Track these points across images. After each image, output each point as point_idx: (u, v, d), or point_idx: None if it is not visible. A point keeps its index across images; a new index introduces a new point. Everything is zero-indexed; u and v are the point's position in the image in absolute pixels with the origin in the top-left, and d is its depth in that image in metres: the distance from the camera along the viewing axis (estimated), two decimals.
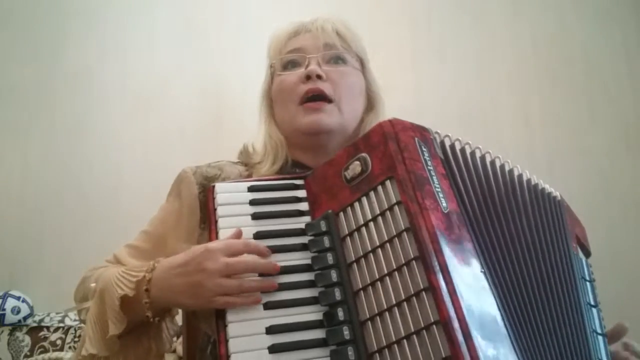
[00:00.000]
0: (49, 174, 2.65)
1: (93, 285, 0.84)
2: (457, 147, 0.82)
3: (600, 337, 0.84)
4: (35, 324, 2.37)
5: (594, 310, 0.88)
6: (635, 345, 0.90)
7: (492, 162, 0.85)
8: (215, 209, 0.79)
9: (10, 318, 2.35)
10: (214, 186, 0.81)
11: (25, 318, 2.38)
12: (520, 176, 0.87)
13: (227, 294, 0.69)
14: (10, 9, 2.81)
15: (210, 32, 2.82)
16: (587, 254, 1.00)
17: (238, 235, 0.75)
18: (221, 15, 2.85)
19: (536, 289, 0.78)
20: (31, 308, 2.42)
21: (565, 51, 2.63)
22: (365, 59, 1.05)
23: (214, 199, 0.80)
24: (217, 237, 0.76)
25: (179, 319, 0.96)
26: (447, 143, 0.80)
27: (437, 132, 0.80)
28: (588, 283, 0.90)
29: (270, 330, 0.68)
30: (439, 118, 2.31)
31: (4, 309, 2.34)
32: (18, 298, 2.40)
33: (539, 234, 0.84)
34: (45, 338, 2.27)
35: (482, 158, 0.84)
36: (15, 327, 2.36)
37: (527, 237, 0.81)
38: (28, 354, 2.32)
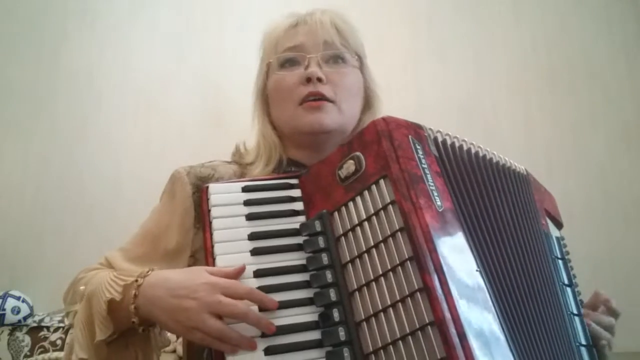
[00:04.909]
0: (49, 174, 2.65)
1: (82, 288, 0.82)
2: (448, 142, 0.80)
3: (577, 318, 0.84)
4: (35, 324, 2.36)
5: (569, 289, 0.87)
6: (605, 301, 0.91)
7: (483, 157, 0.84)
8: (209, 210, 0.78)
9: (10, 318, 2.34)
10: (207, 187, 0.80)
11: (25, 318, 2.38)
12: (498, 163, 0.87)
13: (206, 333, 0.66)
14: (10, 9, 2.81)
15: (210, 31, 2.82)
16: (559, 225, 0.99)
17: (240, 271, 0.71)
18: (221, 14, 2.85)
19: (524, 281, 0.77)
20: (31, 308, 2.42)
21: (565, 51, 2.63)
22: (363, 55, 1.02)
23: (207, 199, 0.79)
24: (211, 239, 0.75)
25: None
26: (440, 139, 0.79)
27: (430, 129, 0.79)
28: (560, 261, 0.89)
29: (265, 333, 0.68)
30: (439, 118, 2.31)
31: (4, 309, 2.34)
32: (18, 298, 2.40)
33: (519, 222, 0.83)
34: (45, 338, 2.27)
35: (470, 152, 0.83)
36: (15, 327, 2.36)
37: (511, 228, 0.81)
38: (28, 354, 2.31)
